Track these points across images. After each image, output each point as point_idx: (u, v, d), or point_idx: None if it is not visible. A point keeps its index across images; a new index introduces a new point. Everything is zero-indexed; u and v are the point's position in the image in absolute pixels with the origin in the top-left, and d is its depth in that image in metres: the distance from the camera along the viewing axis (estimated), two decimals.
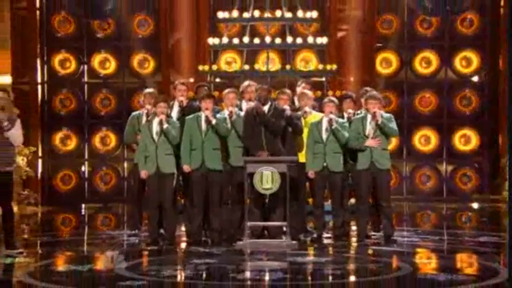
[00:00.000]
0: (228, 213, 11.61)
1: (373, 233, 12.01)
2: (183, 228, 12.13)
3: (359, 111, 11.82)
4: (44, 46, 16.54)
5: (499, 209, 15.19)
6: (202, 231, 11.69)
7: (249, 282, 9.57)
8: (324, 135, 11.48)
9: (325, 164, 11.51)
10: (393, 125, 11.50)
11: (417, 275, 9.93)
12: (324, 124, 11.50)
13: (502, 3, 16.22)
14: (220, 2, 16.57)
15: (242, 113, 11.58)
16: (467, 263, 10.91)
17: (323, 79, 14.83)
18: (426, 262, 10.73)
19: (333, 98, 11.98)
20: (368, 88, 12.39)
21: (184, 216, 12.20)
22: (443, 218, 15.16)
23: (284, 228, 11.33)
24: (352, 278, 10.17)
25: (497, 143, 16.35)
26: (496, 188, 15.94)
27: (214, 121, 11.36)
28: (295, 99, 12.20)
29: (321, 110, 11.94)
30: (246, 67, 14.61)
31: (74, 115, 16.76)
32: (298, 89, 12.62)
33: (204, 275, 9.91)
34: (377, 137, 11.35)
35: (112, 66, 16.76)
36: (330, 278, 10.00)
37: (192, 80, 15.09)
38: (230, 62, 15.40)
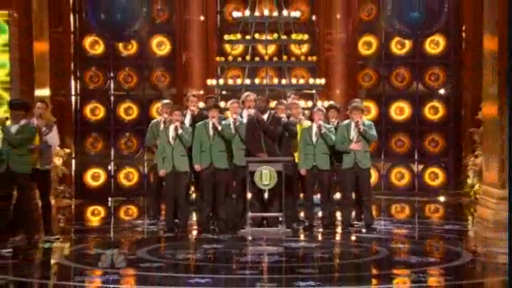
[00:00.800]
0: (232, 205, 11.62)
1: (356, 222, 11.99)
2: (194, 218, 12.13)
3: (345, 121, 11.80)
4: (77, 64, 16.55)
5: (462, 201, 15.17)
6: (211, 220, 11.70)
7: (250, 264, 9.60)
8: (314, 139, 11.50)
9: (315, 164, 11.52)
10: (373, 131, 11.53)
11: (393, 258, 9.95)
12: (314, 129, 11.51)
13: (463, 28, 16.26)
14: (226, 26, 16.55)
15: (244, 120, 11.62)
16: (434, 247, 10.92)
17: (313, 91, 14.82)
18: (401, 247, 10.74)
19: (322, 108, 12.02)
20: (357, 100, 12.47)
21: (195, 208, 12.21)
22: (414, 210, 15.15)
23: (280, 218, 11.34)
24: (338, 261, 10.21)
25: (460, 146, 16.36)
26: (459, 184, 15.93)
27: (219, 128, 11.39)
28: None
29: (310, 118, 12.00)
30: (248, 81, 14.60)
31: (102, 122, 16.75)
32: (289, 100, 12.67)
33: (212, 258, 9.94)
34: (360, 141, 11.38)
35: (134, 80, 16.74)
36: (319, 260, 10.03)
37: (201, 92, 15.05)
38: (234, 77, 15.38)
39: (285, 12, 14.97)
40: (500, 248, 10.66)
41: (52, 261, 10.00)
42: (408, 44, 16.47)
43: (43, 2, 14.01)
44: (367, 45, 16.57)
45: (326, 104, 13.53)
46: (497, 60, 13.02)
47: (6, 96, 13.06)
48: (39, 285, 8.76)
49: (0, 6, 13.16)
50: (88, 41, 16.50)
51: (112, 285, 8.42)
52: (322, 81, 14.98)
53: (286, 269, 9.31)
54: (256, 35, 14.81)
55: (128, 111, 16.69)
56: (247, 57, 14.84)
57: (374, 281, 8.67)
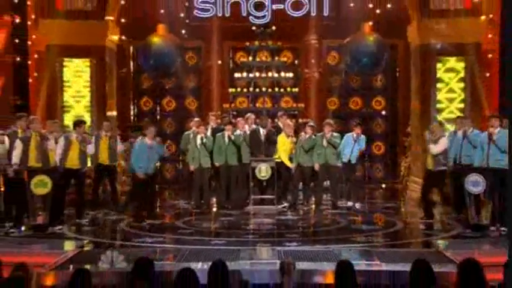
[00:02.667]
0: (240, 190, 11.67)
1: (325, 202, 11.99)
2: (214, 199, 12.18)
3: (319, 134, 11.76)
4: (135, 94, 16.57)
5: (396, 188, 15.14)
6: (225, 201, 11.75)
7: (252, 231, 9.66)
8: (325, 144, 11.40)
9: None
10: (338, 140, 11.55)
11: (351, 226, 10.01)
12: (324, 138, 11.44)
13: (397, 70, 16.33)
14: (236, 68, 16.55)
15: (247, 131, 11.68)
16: (378, 218, 10.95)
17: (296, 112, 14.86)
18: (356, 218, 10.77)
19: (312, 124, 11.95)
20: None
21: (215, 192, 12.25)
22: (365, 193, 15.12)
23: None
24: (313, 228, 10.27)
25: (396, 150, 16.33)
26: (395, 176, 15.93)
27: (232, 138, 11.47)
28: (280, 125, 12.23)
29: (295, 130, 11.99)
30: (251, 105, 14.66)
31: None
32: (280, 121, 12.56)
33: (226, 227, 10.00)
34: (329, 147, 11.41)
35: (173, 105, 16.72)
36: (301, 228, 10.09)
37: (219, 113, 15.07)
38: (242, 102, 15.40)
39: (276, 58, 15.07)
40: (422, 218, 10.74)
41: (118, 228, 10.06)
42: (360, 80, 16.52)
43: (112, 53, 14.12)
44: (333, 80, 16.60)
45: (303, 121, 13.56)
46: (420, 92, 13.17)
47: (88, 117, 13.19)
48: (109, 244, 8.83)
49: (84, 56, 13.31)
50: (142, 78, 16.56)
51: (158, 245, 8.50)
52: (302, 105, 15.05)
53: (278, 234, 9.36)
54: (257, 74, 14.87)
55: (169, 125, 16.72)
56: (251, 89, 14.91)
57: (338, 241, 8.67)
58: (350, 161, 11.49)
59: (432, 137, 10.16)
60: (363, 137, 11.69)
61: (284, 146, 11.51)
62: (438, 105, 13.14)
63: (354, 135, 11.53)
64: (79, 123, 10.58)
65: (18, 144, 9.27)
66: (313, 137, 11.46)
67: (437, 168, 10.09)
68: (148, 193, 10.59)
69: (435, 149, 10.05)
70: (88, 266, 6.38)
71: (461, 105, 12.98)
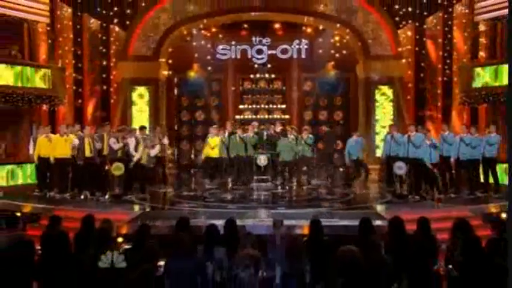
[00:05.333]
0: (247, 173, 11.66)
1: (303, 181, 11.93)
2: (229, 179, 12.14)
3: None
4: (178, 110, 16.48)
5: (349, 171, 15.02)
6: (236, 179, 11.70)
7: (255, 199, 9.71)
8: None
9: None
10: (311, 141, 11.54)
11: (319, 196, 10.05)
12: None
13: (350, 93, 16.27)
14: (244, 91, 16.45)
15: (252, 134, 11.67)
16: (338, 190, 10.94)
17: (284, 121, 14.82)
18: (323, 191, 10.76)
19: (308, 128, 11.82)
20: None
21: (230, 174, 12.20)
22: (330, 176, 15.09)
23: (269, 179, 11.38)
24: (295, 198, 10.29)
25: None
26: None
27: (242, 138, 11.46)
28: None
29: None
30: (254, 116, 14.68)
31: (188, 135, 16.70)
32: (277, 125, 12.55)
33: (238, 197, 10.05)
34: (305, 144, 11.23)
35: (203, 116, 16.68)
36: (287, 198, 10.13)
37: (232, 121, 15.07)
38: (248, 114, 15.34)
39: (270, 85, 15.13)
40: (365, 189, 10.77)
41: (167, 198, 10.10)
42: (326, 100, 16.50)
43: (163, 82, 14.32)
44: (308, 100, 16.58)
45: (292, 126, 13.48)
46: (364, 109, 13.27)
47: (147, 124, 13.36)
48: (159, 187, 8.81)
49: (145, 84, 13.53)
50: (182, 99, 16.56)
51: (194, 208, 8.57)
52: (287, 116, 15.09)
53: (272, 201, 9.43)
54: (258, 95, 14.91)
55: (200, 130, 16.63)
56: (254, 106, 14.94)
57: (311, 206, 8.57)
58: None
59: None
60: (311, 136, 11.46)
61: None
62: (376, 117, 13.29)
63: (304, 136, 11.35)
64: (142, 128, 10.66)
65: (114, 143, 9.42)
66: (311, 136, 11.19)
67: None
68: None
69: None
70: (148, 222, 6.48)
71: (391, 117, 13.15)
